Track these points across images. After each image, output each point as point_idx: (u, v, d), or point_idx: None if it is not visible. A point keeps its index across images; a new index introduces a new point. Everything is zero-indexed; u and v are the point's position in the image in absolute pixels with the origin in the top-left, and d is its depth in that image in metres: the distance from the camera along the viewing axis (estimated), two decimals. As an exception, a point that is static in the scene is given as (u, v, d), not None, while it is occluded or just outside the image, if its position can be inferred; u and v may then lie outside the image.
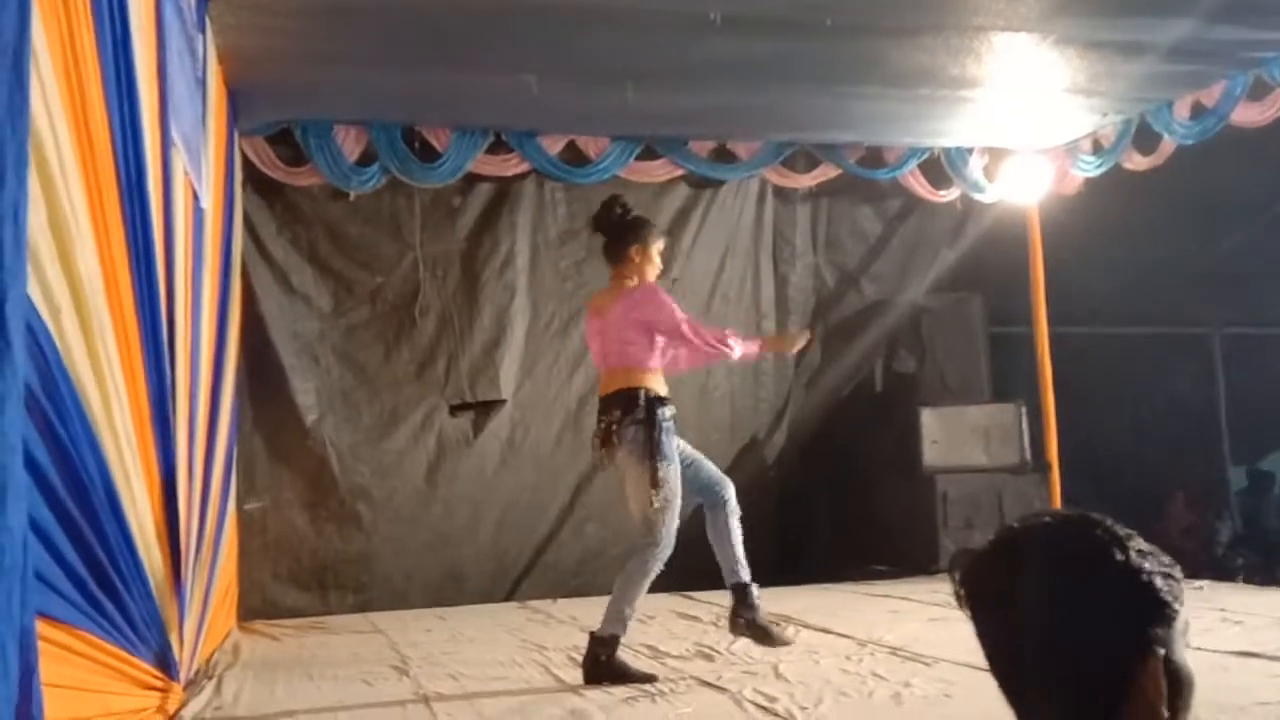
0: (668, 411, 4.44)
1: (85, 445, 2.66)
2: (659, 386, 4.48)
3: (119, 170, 3.05)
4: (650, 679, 4.35)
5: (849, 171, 7.52)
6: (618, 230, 4.61)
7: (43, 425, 2.40)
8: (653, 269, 4.63)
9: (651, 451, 4.36)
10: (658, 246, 4.65)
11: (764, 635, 4.55)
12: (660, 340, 4.51)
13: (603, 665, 4.39)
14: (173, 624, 3.81)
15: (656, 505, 4.37)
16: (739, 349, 4.63)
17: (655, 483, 4.35)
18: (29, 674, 2.00)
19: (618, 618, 4.43)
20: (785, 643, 4.62)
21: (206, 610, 4.91)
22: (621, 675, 4.36)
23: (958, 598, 1.29)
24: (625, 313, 4.48)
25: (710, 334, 4.59)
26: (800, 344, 5.07)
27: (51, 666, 2.54)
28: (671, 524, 4.43)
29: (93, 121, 2.79)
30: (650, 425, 4.38)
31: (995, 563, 1.26)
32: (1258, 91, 6.06)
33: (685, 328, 4.48)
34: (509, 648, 5.29)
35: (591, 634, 4.47)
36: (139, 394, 3.26)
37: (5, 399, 1.82)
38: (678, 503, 4.44)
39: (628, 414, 4.41)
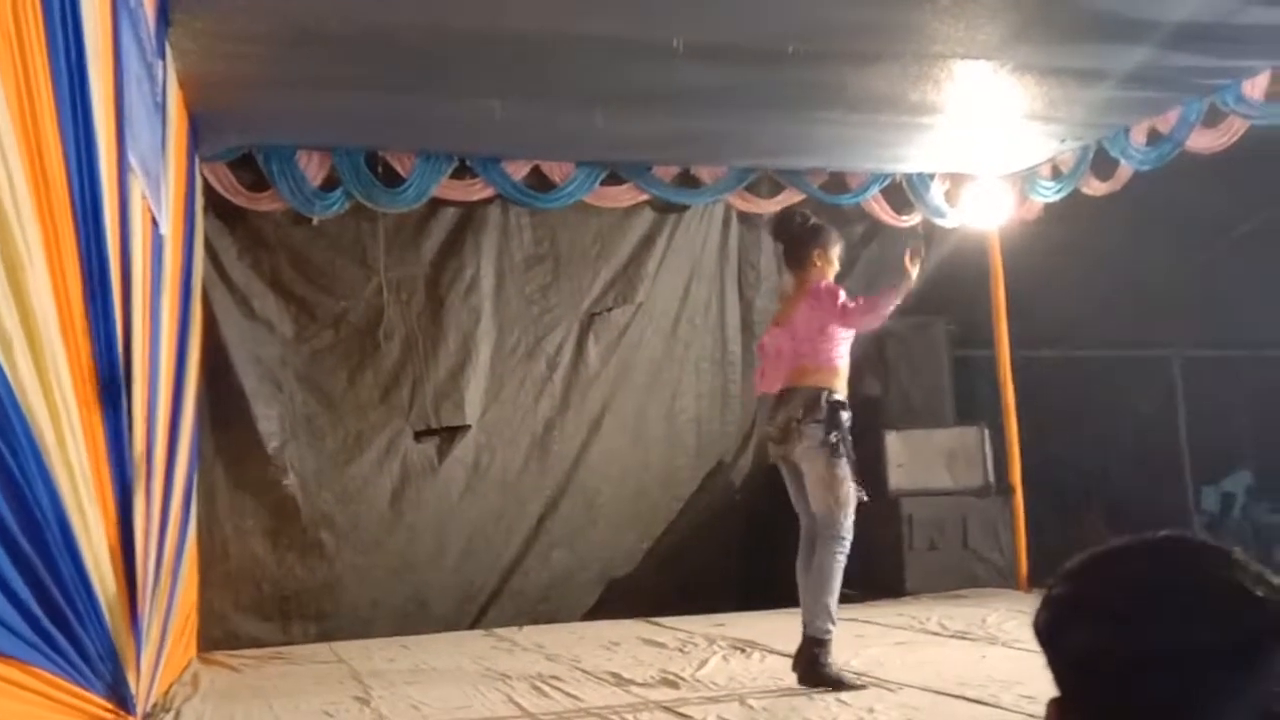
0: (847, 415, 4.67)
1: (38, 479, 2.63)
2: (840, 388, 4.71)
3: (74, 198, 3.02)
4: (860, 687, 4.47)
5: (812, 197, 7.56)
6: (799, 238, 4.90)
7: (-7, 460, 2.37)
8: (832, 270, 4.94)
9: (834, 450, 4.59)
10: (837, 250, 4.94)
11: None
12: (840, 333, 4.73)
13: (822, 668, 4.51)
14: (129, 657, 3.75)
15: (841, 500, 4.60)
16: (895, 300, 4.74)
17: (837, 481, 4.59)
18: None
19: (825, 613, 4.55)
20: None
21: (165, 642, 4.83)
22: (837, 681, 4.48)
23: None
24: (809, 313, 4.72)
25: (867, 301, 4.72)
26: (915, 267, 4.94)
27: (2, 703, 2.50)
28: (852, 515, 4.65)
29: (46, 148, 2.76)
30: (832, 425, 4.60)
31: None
32: (1212, 118, 6.15)
33: (847, 311, 4.65)
34: (473, 676, 5.25)
35: (806, 637, 4.56)
36: (94, 426, 3.21)
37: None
38: (855, 497, 4.66)
39: (810, 413, 4.63)
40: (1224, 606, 0.99)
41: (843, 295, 4.74)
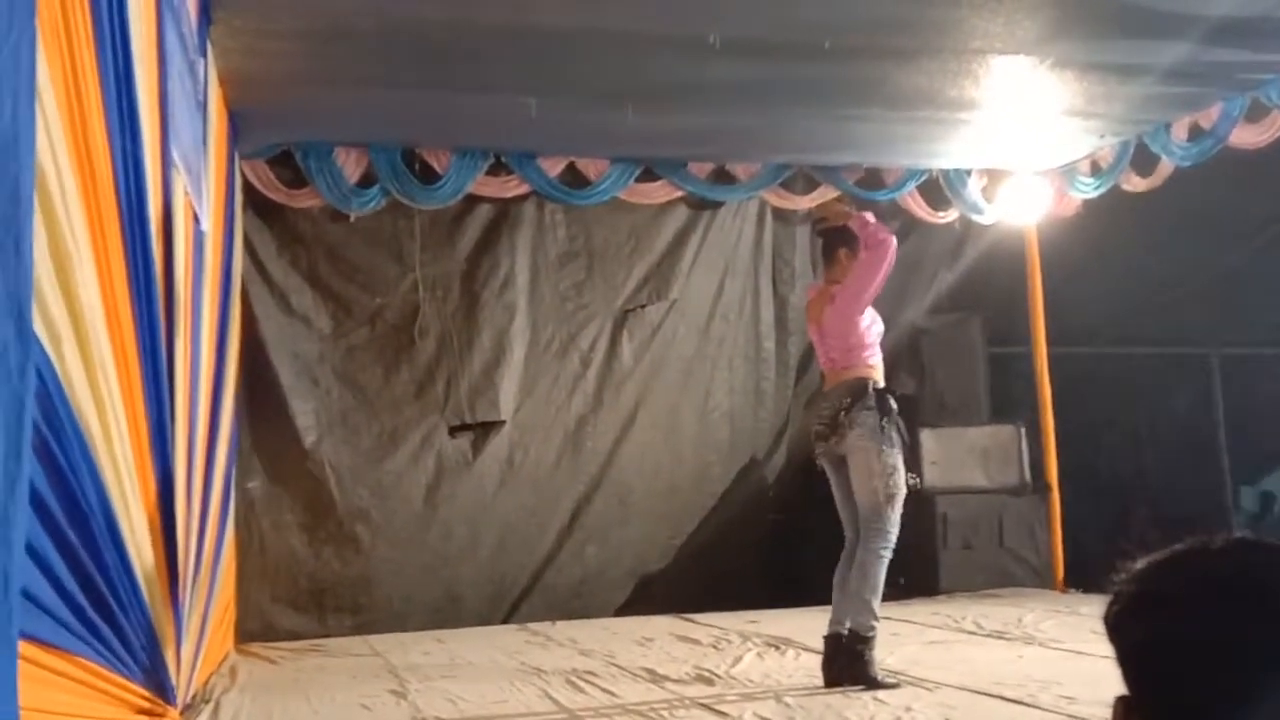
0: (894, 403, 4.68)
1: (85, 472, 2.66)
2: (882, 379, 4.74)
3: (120, 194, 3.05)
4: (894, 686, 4.47)
5: (848, 193, 7.53)
6: (829, 235, 4.99)
7: (42, 452, 2.40)
8: None
9: (885, 438, 4.58)
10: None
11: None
12: (874, 322, 4.79)
13: (863, 665, 4.50)
14: (169, 648, 3.79)
15: (889, 491, 4.57)
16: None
17: (887, 471, 4.56)
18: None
19: (867, 609, 4.54)
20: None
21: (204, 633, 4.88)
22: (873, 680, 4.47)
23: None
24: (837, 314, 4.77)
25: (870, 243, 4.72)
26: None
27: (47, 692, 2.53)
28: (899, 510, 4.62)
29: (94, 146, 2.79)
30: (882, 412, 4.60)
31: None
32: (1255, 113, 6.07)
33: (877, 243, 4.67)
34: (508, 671, 5.27)
35: (850, 632, 4.54)
36: (138, 419, 3.25)
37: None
38: (904, 489, 4.64)
39: (858, 401, 4.63)
40: None
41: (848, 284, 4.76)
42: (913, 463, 7.29)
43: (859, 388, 4.66)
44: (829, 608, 4.70)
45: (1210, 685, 0.98)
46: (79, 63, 2.65)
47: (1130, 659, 1.05)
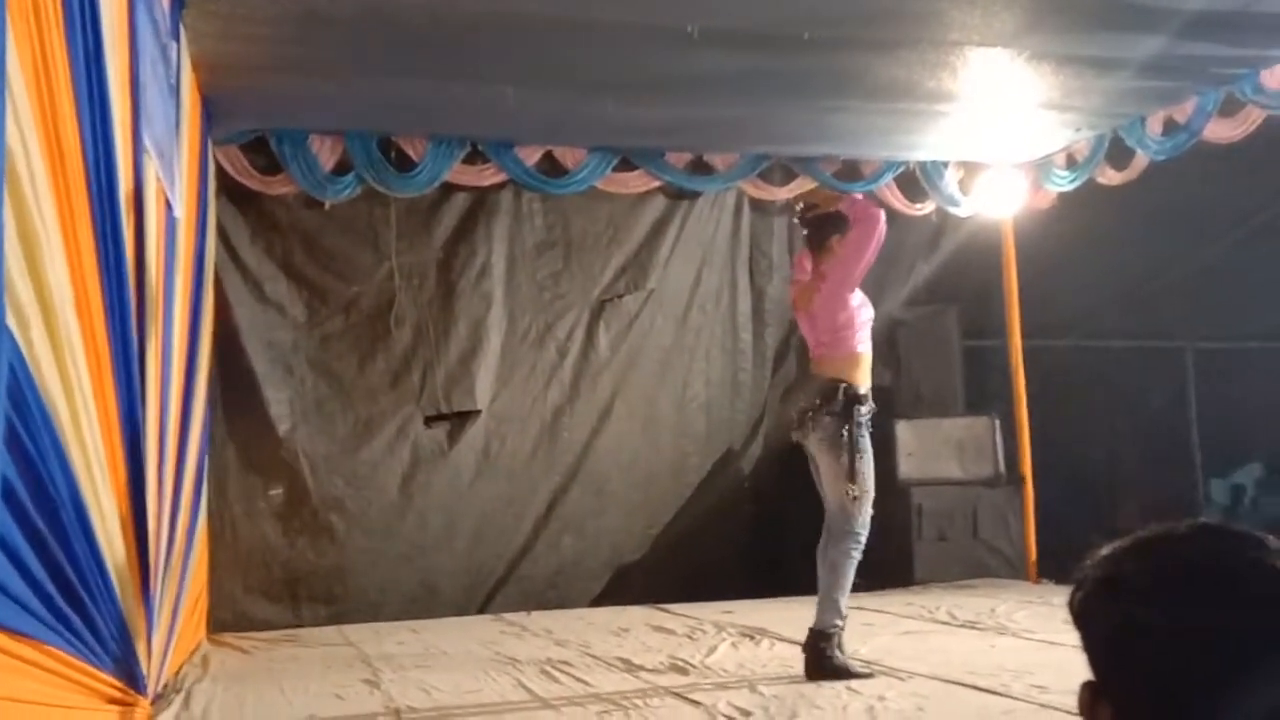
0: (865, 409, 4.63)
1: (53, 459, 2.63)
2: (862, 379, 4.69)
3: (90, 178, 3.02)
4: (867, 675, 4.48)
5: (825, 184, 7.53)
6: (819, 222, 4.92)
7: (10, 439, 2.37)
8: None
9: (847, 446, 4.55)
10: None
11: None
12: (864, 304, 4.77)
13: (827, 660, 4.50)
14: (140, 637, 3.76)
15: (853, 496, 4.55)
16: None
17: (851, 476, 4.54)
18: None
19: (833, 607, 4.54)
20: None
21: (175, 623, 4.85)
22: (843, 671, 4.48)
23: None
24: (828, 294, 4.74)
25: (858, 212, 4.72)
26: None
27: (16, 681, 2.51)
28: (868, 511, 4.61)
29: (63, 129, 2.76)
30: (846, 420, 4.56)
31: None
32: (1230, 108, 6.11)
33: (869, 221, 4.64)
34: (482, 660, 5.26)
35: (816, 630, 4.55)
36: (108, 406, 3.22)
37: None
38: (873, 492, 4.62)
39: (825, 404, 4.61)
40: (1260, 590, 0.99)
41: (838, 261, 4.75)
42: (887, 454, 7.36)
43: (829, 391, 4.62)
44: (805, 598, 4.71)
45: (1175, 672, 0.99)
46: (48, 46, 2.62)
47: (1096, 645, 1.05)
